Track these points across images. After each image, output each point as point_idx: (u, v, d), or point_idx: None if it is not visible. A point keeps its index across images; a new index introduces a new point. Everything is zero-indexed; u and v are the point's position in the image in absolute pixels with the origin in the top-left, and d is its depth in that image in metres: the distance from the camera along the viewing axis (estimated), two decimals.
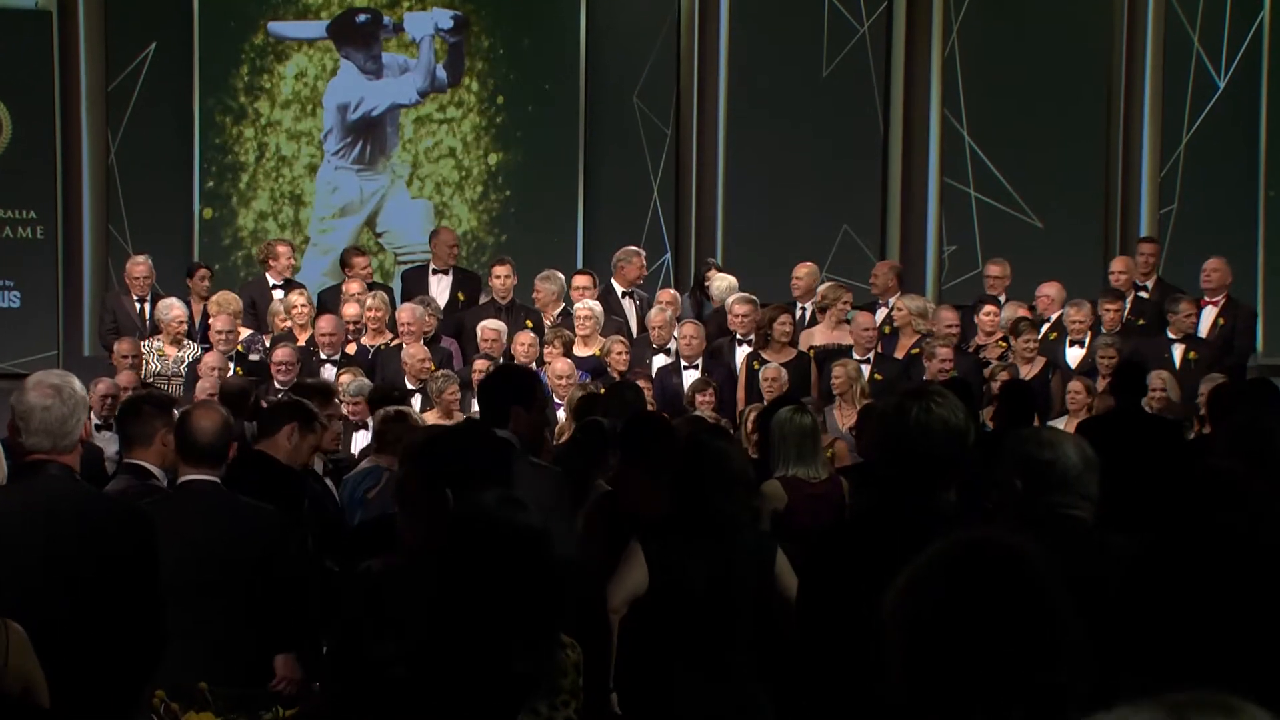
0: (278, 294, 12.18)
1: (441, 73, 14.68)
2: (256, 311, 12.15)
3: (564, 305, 12.14)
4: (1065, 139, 14.51)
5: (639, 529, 5.23)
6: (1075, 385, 10.33)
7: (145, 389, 10.25)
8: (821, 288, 12.14)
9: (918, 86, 14.74)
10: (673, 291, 12.54)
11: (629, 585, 5.02)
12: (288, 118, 14.49)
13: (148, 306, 12.04)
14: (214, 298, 11.85)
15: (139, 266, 12.21)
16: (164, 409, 5.55)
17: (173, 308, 11.48)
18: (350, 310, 11.70)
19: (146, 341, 11.45)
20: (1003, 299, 12.13)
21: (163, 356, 11.34)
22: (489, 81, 14.72)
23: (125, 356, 11.00)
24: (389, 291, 12.49)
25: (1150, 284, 12.26)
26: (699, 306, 12.68)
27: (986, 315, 11.70)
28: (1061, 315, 11.70)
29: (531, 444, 5.82)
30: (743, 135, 14.72)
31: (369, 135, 14.62)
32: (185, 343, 11.47)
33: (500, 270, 12.19)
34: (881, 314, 12.07)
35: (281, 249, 12.49)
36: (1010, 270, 12.34)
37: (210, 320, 11.52)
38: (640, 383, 10.56)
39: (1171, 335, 11.28)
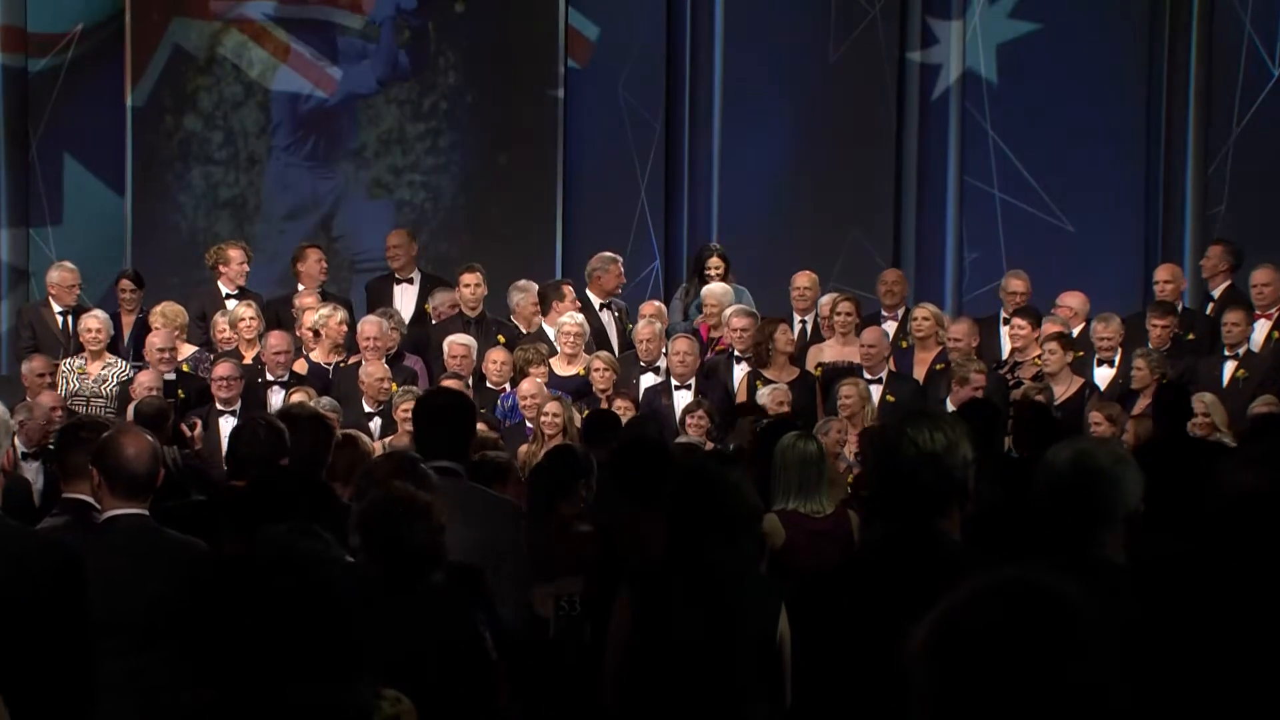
0: (232, 304, 12.14)
1: (404, 59, 14.67)
2: (206, 324, 12.13)
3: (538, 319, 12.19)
4: (1101, 133, 14.49)
5: (627, 573, 5.19)
6: (1095, 416, 10.20)
7: (66, 412, 10.24)
8: (825, 298, 12.15)
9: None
10: (658, 303, 12.51)
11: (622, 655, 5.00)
12: (231, 108, 14.46)
13: (71, 319, 11.96)
14: (158, 309, 11.78)
15: (64, 274, 12.17)
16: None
17: (87, 320, 11.43)
18: (309, 318, 11.67)
19: (69, 359, 11.40)
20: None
21: (83, 375, 11.30)
22: (456, 68, 14.70)
23: (40, 375, 10.94)
24: (348, 305, 12.48)
25: (1219, 293, 12.25)
26: (690, 295, 12.66)
27: (1018, 329, 11.70)
28: (1088, 331, 11.69)
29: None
30: (741, 128, 14.71)
31: (323, 129, 14.60)
32: (109, 359, 11.42)
33: (469, 279, 12.20)
34: (892, 327, 12.09)
35: (234, 253, 12.44)
36: (1030, 284, 12.31)
37: (150, 335, 11.40)
38: (623, 403, 10.58)
39: (1226, 352, 11.32)
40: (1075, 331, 11.74)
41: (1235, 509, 3.66)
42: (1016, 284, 12.33)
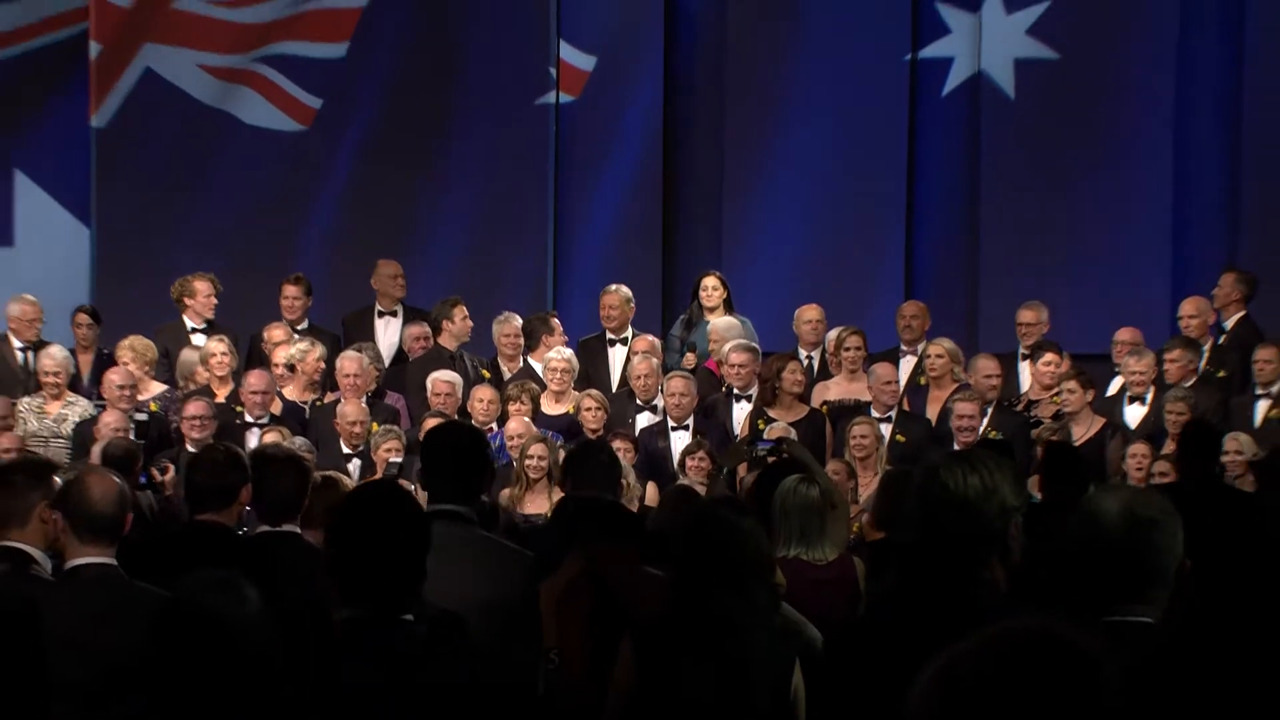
0: (198, 339, 12.22)
1: (386, 87, 14.61)
2: (170, 361, 12.18)
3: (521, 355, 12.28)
4: (1132, 144, 14.46)
5: (630, 625, 5.22)
6: (1138, 448, 10.38)
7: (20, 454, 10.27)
8: (831, 333, 12.21)
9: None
10: (652, 338, 12.52)
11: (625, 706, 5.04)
12: (203, 137, 14.43)
13: (32, 355, 12.00)
14: (126, 342, 11.83)
15: (24, 307, 12.22)
16: (41, 478, 5.45)
17: (43, 360, 11.52)
18: (279, 354, 11.75)
19: (28, 398, 11.47)
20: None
21: (42, 414, 11.39)
22: (438, 73, 14.73)
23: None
24: (335, 340, 12.56)
25: (1231, 324, 12.36)
26: (686, 330, 12.74)
27: (1046, 366, 11.80)
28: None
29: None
30: (747, 143, 14.72)
31: (299, 159, 14.56)
32: (70, 397, 11.51)
33: (464, 310, 12.31)
34: (909, 363, 12.17)
35: (200, 285, 12.50)
36: (1047, 315, 12.39)
37: (109, 372, 11.45)
38: (620, 444, 10.57)
39: (1259, 390, 11.39)
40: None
41: None
42: (1028, 315, 12.41)
